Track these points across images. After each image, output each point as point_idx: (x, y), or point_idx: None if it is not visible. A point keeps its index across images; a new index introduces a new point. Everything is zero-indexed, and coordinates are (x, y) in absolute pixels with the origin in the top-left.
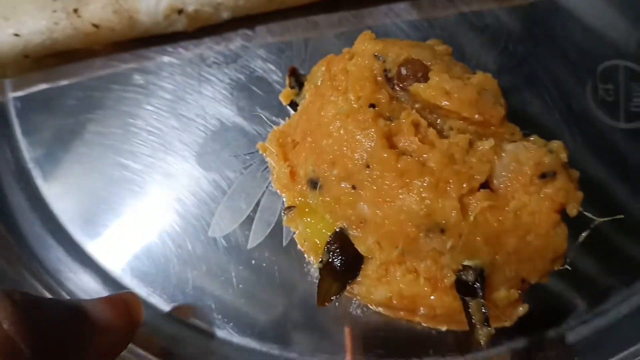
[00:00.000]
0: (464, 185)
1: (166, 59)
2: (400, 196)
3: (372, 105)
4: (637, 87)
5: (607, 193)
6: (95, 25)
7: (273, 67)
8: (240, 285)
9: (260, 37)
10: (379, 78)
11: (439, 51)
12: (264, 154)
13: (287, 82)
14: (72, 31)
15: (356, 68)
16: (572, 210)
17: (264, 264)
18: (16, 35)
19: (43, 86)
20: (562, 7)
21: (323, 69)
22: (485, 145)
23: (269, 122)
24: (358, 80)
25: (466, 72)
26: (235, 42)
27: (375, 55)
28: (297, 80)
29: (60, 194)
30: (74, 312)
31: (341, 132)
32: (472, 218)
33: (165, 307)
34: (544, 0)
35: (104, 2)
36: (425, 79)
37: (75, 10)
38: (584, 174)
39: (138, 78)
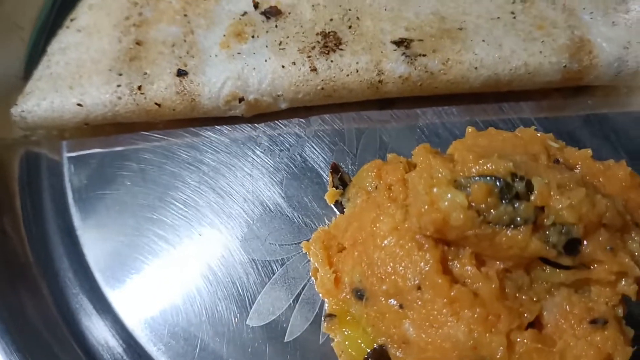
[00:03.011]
0: (513, 322)
1: (221, 139)
2: (449, 324)
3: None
4: None
5: None
6: (158, 104)
7: (324, 159)
8: None
9: (313, 127)
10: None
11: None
12: (307, 253)
13: (330, 179)
14: (133, 107)
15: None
16: None
17: None
18: (79, 105)
19: (97, 150)
20: None
21: (372, 174)
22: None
23: (315, 216)
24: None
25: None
26: (290, 130)
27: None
28: (341, 178)
29: (102, 259)
30: None
31: (396, 248)
32: (517, 356)
33: None
34: None
35: (168, 82)
36: None
37: (140, 88)
38: None
39: (190, 156)
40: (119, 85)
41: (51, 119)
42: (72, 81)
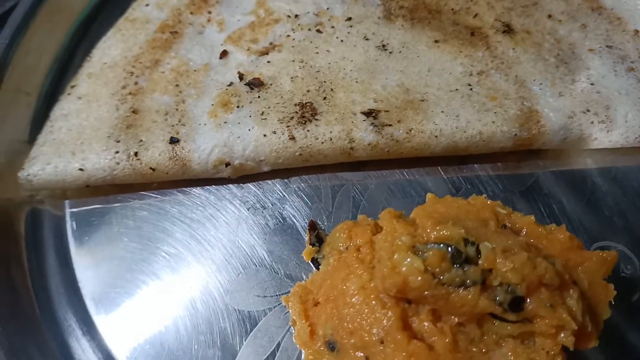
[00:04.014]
0: None
1: (210, 197)
2: None
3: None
4: None
5: None
6: (152, 168)
7: (302, 216)
8: None
9: (293, 186)
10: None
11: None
12: (287, 305)
13: (307, 237)
14: (130, 171)
15: (392, 262)
16: None
17: None
18: (80, 170)
19: (97, 207)
20: None
21: (344, 235)
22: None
23: (294, 269)
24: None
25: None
26: (272, 189)
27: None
28: (317, 235)
29: (106, 314)
30: None
31: (363, 306)
32: None
33: None
34: None
35: (161, 149)
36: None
37: (136, 154)
38: None
39: (183, 213)
40: (117, 152)
41: (55, 181)
42: (74, 147)
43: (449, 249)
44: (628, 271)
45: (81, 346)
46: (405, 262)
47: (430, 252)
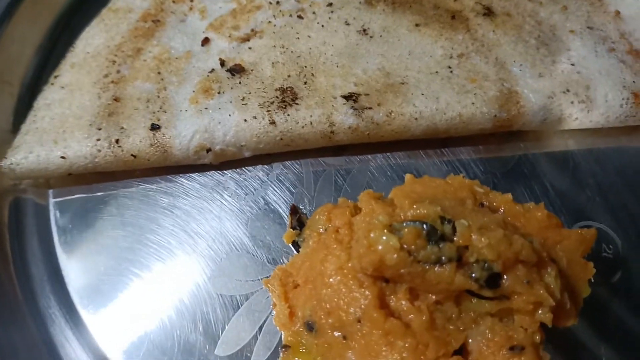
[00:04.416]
0: (440, 350)
1: (192, 185)
2: (384, 353)
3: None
4: None
5: None
6: (134, 155)
7: (285, 201)
8: None
9: (275, 172)
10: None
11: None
12: (267, 289)
13: (289, 221)
14: (112, 158)
15: (368, 240)
16: None
17: None
18: (62, 157)
19: (80, 196)
20: None
21: (323, 218)
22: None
23: (276, 253)
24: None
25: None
26: (254, 175)
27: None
28: (299, 219)
29: (88, 300)
30: None
31: (340, 286)
32: None
33: None
34: None
35: (143, 135)
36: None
37: (117, 141)
38: None
39: (165, 200)
40: (98, 139)
41: (37, 170)
42: (56, 135)
43: (424, 226)
44: (610, 251)
45: (64, 334)
46: (382, 240)
47: (406, 230)
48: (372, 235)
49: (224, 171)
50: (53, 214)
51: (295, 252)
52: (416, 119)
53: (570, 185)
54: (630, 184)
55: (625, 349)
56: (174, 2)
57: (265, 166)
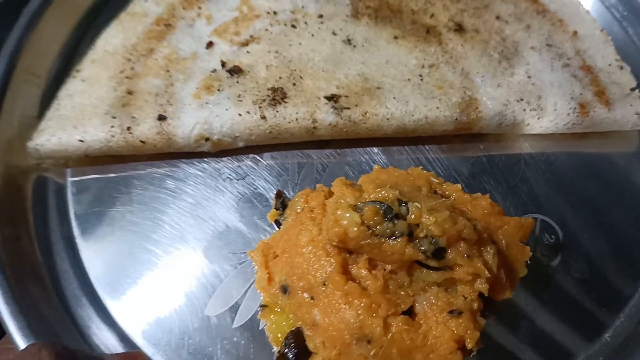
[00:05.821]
0: (390, 309)
1: (192, 170)
2: (343, 310)
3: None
4: None
5: None
6: (142, 141)
7: (272, 187)
8: (223, 357)
9: (265, 161)
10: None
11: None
12: (252, 259)
13: (274, 202)
14: (124, 143)
15: (335, 221)
16: (469, 344)
17: (243, 342)
18: (81, 141)
19: (95, 176)
20: None
21: (302, 200)
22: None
23: (261, 231)
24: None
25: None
26: (246, 163)
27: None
28: (283, 202)
29: (97, 264)
30: None
31: (311, 255)
32: (391, 335)
33: None
34: None
35: (150, 124)
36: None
37: (129, 128)
38: None
39: (169, 182)
40: (112, 126)
41: (58, 151)
42: (76, 122)
43: (382, 205)
44: (552, 239)
45: (75, 292)
46: (346, 217)
47: (366, 208)
48: (338, 212)
49: (221, 159)
50: (70, 190)
51: (277, 229)
52: (388, 119)
53: (520, 182)
54: (574, 183)
55: (560, 321)
56: (184, 8)
57: (256, 156)
